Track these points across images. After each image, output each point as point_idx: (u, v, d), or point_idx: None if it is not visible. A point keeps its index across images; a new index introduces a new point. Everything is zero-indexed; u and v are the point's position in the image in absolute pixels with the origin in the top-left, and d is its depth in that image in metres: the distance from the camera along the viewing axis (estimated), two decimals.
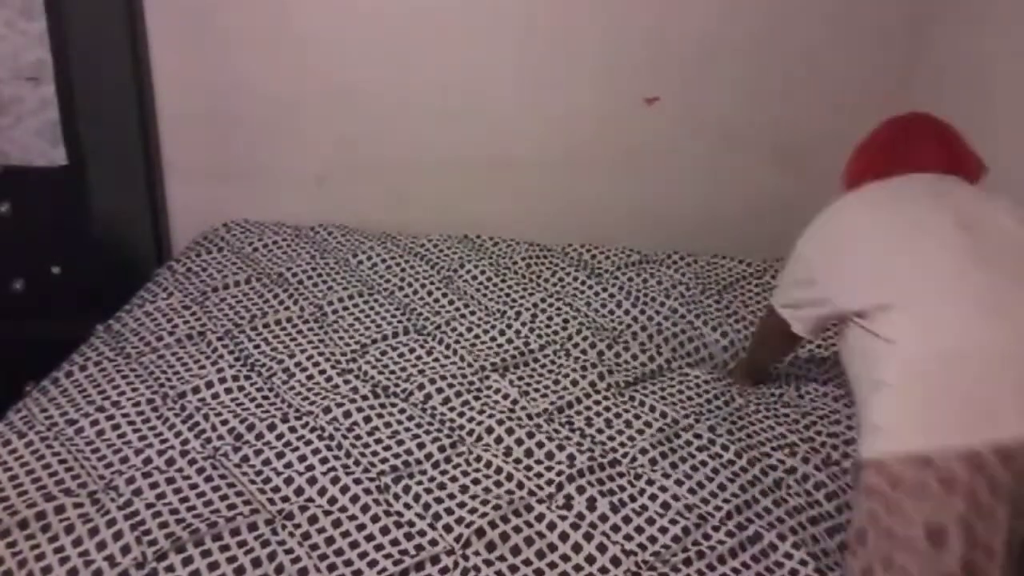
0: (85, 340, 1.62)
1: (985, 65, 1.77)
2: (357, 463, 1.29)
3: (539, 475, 1.29)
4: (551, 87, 2.06)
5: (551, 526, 1.19)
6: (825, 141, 2.10)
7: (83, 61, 1.75)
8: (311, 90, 2.06)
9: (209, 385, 1.47)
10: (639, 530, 1.20)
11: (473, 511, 1.20)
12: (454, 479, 1.28)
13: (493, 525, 1.17)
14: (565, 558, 1.14)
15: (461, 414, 1.43)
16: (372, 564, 1.10)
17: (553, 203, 2.17)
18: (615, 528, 1.19)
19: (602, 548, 1.15)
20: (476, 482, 1.28)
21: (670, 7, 1.98)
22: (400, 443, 1.35)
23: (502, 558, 1.13)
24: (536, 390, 1.52)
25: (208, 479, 1.24)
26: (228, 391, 1.47)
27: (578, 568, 1.12)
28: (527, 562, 1.13)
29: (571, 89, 2.06)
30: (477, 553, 1.13)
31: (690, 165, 2.14)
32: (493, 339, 1.69)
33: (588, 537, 1.17)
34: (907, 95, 2.03)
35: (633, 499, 1.25)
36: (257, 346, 1.61)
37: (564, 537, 1.17)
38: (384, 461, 1.30)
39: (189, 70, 2.03)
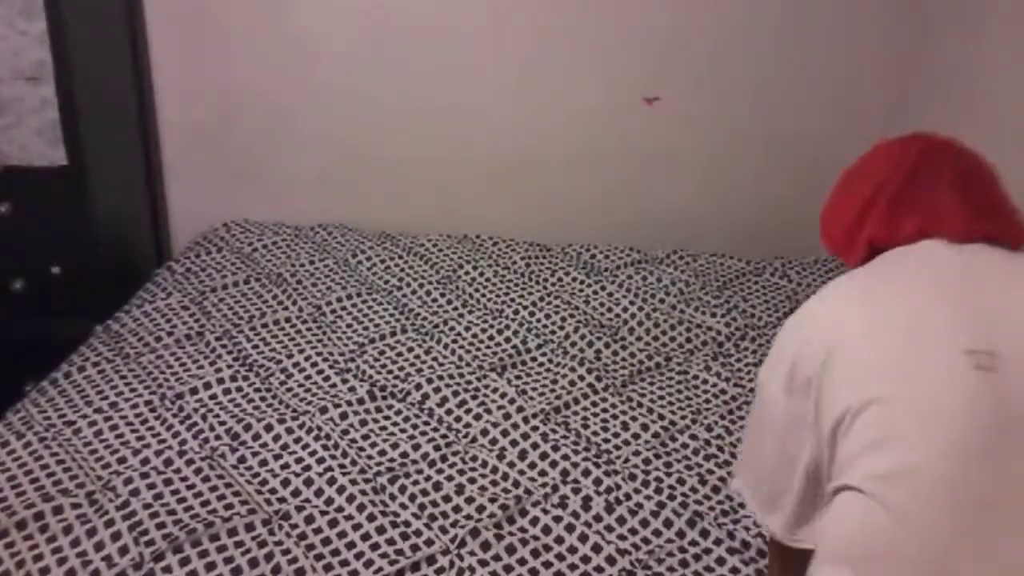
0: (84, 340, 1.62)
1: (985, 66, 1.76)
2: (354, 463, 1.29)
3: (533, 480, 1.29)
4: (552, 88, 2.05)
5: (546, 526, 1.19)
6: (825, 141, 2.10)
7: (83, 61, 1.76)
8: (310, 90, 2.06)
9: (207, 386, 1.47)
10: (633, 531, 1.20)
11: (469, 512, 1.21)
12: (450, 478, 1.28)
13: (488, 526, 1.17)
14: (560, 557, 1.14)
15: (459, 418, 1.43)
16: (368, 564, 1.11)
17: (553, 204, 2.17)
18: (609, 528, 1.19)
19: (597, 548, 1.15)
20: (472, 481, 1.28)
21: (671, 9, 1.98)
22: (396, 445, 1.35)
23: (497, 558, 1.13)
24: (534, 389, 1.52)
25: (205, 479, 1.24)
26: (226, 392, 1.47)
27: (573, 567, 1.12)
28: (522, 561, 1.13)
29: (572, 89, 2.05)
30: (472, 553, 1.13)
31: (691, 165, 2.13)
32: (491, 338, 1.69)
33: (583, 537, 1.17)
34: (907, 97, 2.02)
35: (628, 497, 1.25)
36: (255, 346, 1.61)
37: (559, 537, 1.17)
38: (379, 464, 1.30)
39: (189, 70, 2.03)
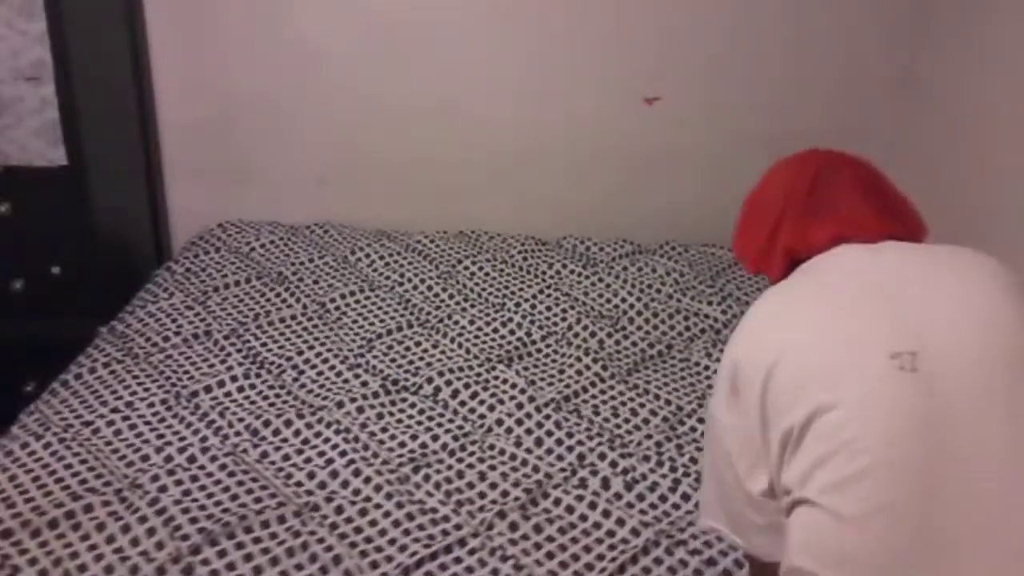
0: (88, 341, 1.61)
1: (986, 66, 1.77)
2: (376, 455, 1.33)
3: (551, 464, 1.34)
4: (552, 88, 2.07)
5: (569, 506, 1.24)
6: (825, 141, 2.13)
7: (83, 61, 1.75)
8: (310, 91, 2.06)
9: (221, 384, 1.48)
10: (653, 506, 1.26)
11: (493, 497, 1.25)
12: (471, 466, 1.32)
13: (514, 508, 1.22)
14: (586, 533, 1.19)
15: (473, 409, 1.46)
16: (402, 549, 1.14)
17: (553, 204, 2.18)
18: (630, 505, 1.26)
19: (621, 522, 1.21)
20: (492, 468, 1.32)
21: (671, 9, 2.00)
22: (415, 436, 1.39)
23: (526, 536, 1.18)
24: (542, 379, 1.57)
25: (231, 474, 1.26)
26: (240, 389, 1.49)
27: (599, 541, 1.18)
28: (550, 538, 1.18)
29: (572, 89, 2.07)
30: (501, 533, 1.18)
31: (691, 165, 2.14)
32: (496, 331, 1.73)
33: (606, 513, 1.23)
34: (908, 97, 2.05)
35: (645, 477, 1.31)
36: (264, 344, 1.63)
37: (583, 515, 1.22)
38: (401, 455, 1.34)
39: (189, 70, 2.02)
